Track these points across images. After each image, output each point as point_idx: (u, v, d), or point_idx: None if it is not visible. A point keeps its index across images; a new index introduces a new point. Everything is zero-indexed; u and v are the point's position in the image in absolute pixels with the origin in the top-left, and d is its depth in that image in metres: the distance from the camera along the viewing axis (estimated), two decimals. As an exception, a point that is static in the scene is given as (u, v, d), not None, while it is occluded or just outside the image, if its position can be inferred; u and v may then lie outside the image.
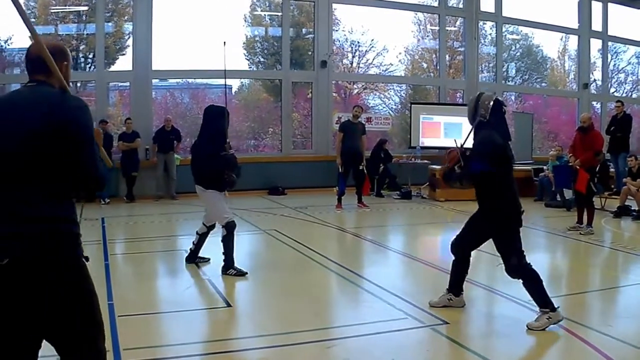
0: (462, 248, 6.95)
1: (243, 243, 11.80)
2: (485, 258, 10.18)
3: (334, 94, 21.24)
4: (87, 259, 3.35)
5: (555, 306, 6.24)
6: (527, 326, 6.23)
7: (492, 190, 6.49)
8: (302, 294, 7.60)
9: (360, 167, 15.03)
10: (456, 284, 7.01)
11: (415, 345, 5.93)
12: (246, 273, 8.63)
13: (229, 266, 8.61)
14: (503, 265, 6.59)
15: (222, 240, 8.70)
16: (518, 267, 6.42)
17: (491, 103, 6.55)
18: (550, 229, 12.67)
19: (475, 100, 6.70)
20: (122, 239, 12.42)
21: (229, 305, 7.24)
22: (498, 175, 6.39)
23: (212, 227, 9.05)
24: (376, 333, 6.15)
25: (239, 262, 8.91)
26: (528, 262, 6.47)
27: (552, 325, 6.19)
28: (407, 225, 14.00)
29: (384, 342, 5.94)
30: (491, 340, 6.15)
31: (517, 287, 7.70)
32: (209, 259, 9.30)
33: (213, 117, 8.63)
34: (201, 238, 9.17)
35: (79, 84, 19.68)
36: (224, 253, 8.66)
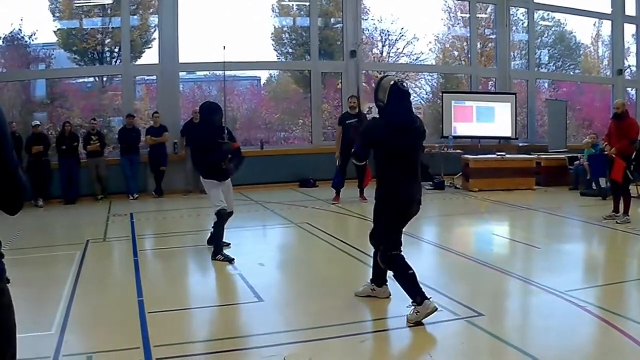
0: (375, 240, 6.82)
1: (275, 236, 11.87)
2: (520, 249, 10.09)
3: (364, 84, 21.05)
4: (8, 280, 2.82)
5: (427, 297, 6.15)
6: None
7: (382, 176, 6.46)
8: (335, 288, 7.52)
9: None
10: (377, 275, 7.05)
11: (450, 338, 5.85)
12: (233, 259, 8.97)
13: (216, 252, 9.14)
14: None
15: (212, 226, 9.32)
16: (385, 256, 6.41)
17: (389, 87, 6.29)
18: (586, 218, 12.47)
19: (377, 84, 6.55)
20: (151, 234, 12.43)
21: (260, 299, 7.15)
22: (381, 161, 6.39)
23: (230, 213, 9.48)
24: (410, 326, 6.06)
25: (271, 255, 9.14)
26: (399, 253, 6.39)
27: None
28: (440, 217, 13.82)
29: (418, 336, 5.88)
30: (528, 332, 6.07)
31: (553, 278, 7.66)
32: (229, 244, 9.72)
33: (205, 113, 9.26)
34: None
35: (104, 79, 19.77)
36: (209, 238, 9.55)
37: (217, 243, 9.19)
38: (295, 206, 14.61)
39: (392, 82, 6.33)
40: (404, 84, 6.50)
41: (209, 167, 9.15)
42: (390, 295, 7.00)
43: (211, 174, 9.17)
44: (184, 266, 9.41)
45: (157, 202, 16.45)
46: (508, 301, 7.22)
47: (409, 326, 6.06)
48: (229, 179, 9.47)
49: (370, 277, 7.14)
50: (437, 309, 6.13)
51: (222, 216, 9.16)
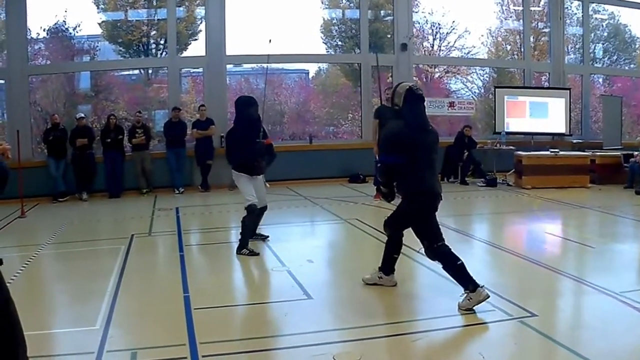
0: (391, 228, 7.21)
1: (324, 233, 11.81)
2: (574, 248, 9.86)
3: (415, 78, 20.83)
4: (0, 261, 2.84)
5: (479, 285, 6.32)
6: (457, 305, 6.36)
7: (402, 174, 6.65)
8: (385, 286, 7.36)
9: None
10: (385, 263, 7.29)
11: (502, 338, 5.73)
12: (258, 254, 9.10)
13: (242, 246, 9.18)
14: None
15: (242, 220, 9.30)
16: (432, 249, 6.63)
17: (404, 92, 6.67)
18: (642, 217, 12.19)
19: (392, 90, 6.95)
20: (197, 229, 12.37)
21: (309, 297, 7.09)
22: (405, 163, 6.58)
23: (264, 208, 9.62)
24: (462, 326, 6.01)
25: (320, 252, 9.32)
26: (444, 244, 6.64)
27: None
28: (492, 214, 13.63)
29: (470, 336, 5.84)
30: (581, 333, 5.88)
31: (607, 279, 7.50)
32: (267, 236, 9.98)
33: (240, 106, 9.34)
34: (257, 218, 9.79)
35: (150, 71, 19.88)
36: (240, 233, 9.27)
37: (244, 237, 9.20)
38: (344, 202, 14.50)
39: (407, 87, 6.72)
40: (419, 89, 6.83)
41: (242, 162, 9.19)
42: (396, 284, 7.22)
43: (243, 167, 9.22)
44: (230, 262, 9.32)
45: (203, 196, 16.47)
46: (561, 301, 7.02)
47: (461, 313, 6.20)
48: (262, 175, 9.55)
49: (380, 264, 7.35)
50: (489, 296, 6.31)
51: (253, 211, 9.20)
